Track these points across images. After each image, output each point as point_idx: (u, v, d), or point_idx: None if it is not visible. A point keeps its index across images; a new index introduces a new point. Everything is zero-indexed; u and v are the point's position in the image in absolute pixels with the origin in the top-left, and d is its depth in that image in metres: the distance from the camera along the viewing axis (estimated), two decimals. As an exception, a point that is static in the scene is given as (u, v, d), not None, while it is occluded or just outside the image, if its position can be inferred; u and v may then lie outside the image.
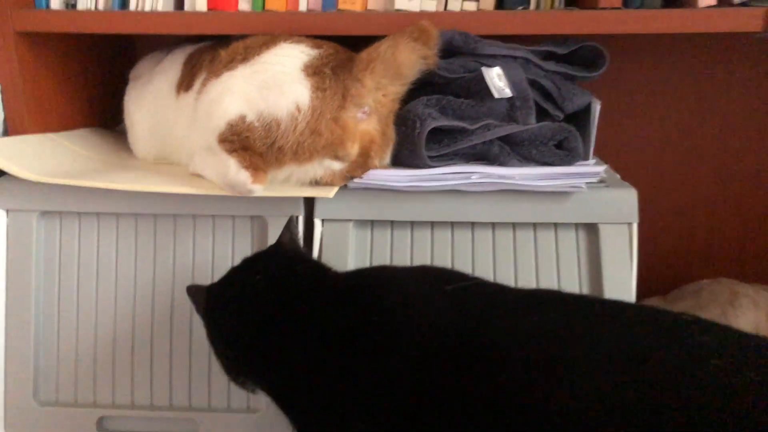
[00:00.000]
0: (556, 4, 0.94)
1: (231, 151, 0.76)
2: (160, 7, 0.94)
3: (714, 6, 0.84)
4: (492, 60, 0.82)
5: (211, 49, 0.91)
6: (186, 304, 0.84)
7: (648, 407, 0.39)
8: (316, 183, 0.79)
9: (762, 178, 1.18)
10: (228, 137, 0.77)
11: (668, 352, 0.42)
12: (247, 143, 0.75)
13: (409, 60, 0.76)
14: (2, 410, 0.85)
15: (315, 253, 0.82)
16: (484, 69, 0.79)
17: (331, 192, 0.77)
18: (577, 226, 0.81)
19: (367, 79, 0.75)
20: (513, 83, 0.80)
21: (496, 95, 0.79)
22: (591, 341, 0.45)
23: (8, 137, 0.89)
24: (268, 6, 0.96)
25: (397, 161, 0.81)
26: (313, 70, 0.76)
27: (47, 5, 0.94)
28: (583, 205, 0.80)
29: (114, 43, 1.17)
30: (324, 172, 0.78)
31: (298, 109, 0.73)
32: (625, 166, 0.93)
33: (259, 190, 0.75)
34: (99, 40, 1.11)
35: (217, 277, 0.71)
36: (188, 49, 0.95)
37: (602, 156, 0.93)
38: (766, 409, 0.37)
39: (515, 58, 0.83)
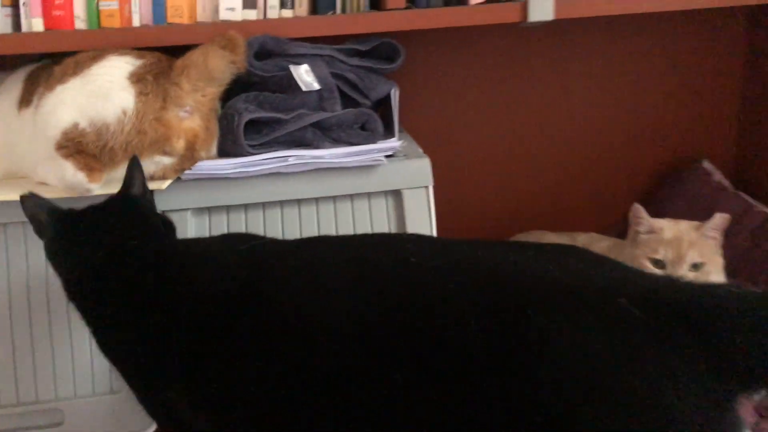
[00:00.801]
0: (362, 8, 1.09)
1: (67, 156, 0.85)
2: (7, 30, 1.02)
3: (482, 3, 1.02)
4: (301, 59, 0.95)
5: (49, 66, 0.99)
6: (43, 302, 0.92)
7: (363, 290, 0.54)
8: (151, 178, 0.89)
9: (544, 142, 1.38)
10: (63, 144, 0.86)
11: (383, 256, 0.57)
12: (81, 147, 0.84)
13: (219, 65, 0.88)
14: None
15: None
16: (291, 66, 0.93)
17: (164, 184, 0.88)
18: (386, 193, 0.96)
19: (184, 83, 0.86)
20: (319, 78, 0.94)
21: (304, 89, 0.92)
22: (333, 261, 0.59)
23: None
24: (103, 23, 1.05)
25: (223, 152, 0.93)
26: (137, 78, 0.86)
27: None
28: (388, 175, 0.95)
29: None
30: (156, 167, 0.88)
31: (124, 113, 0.84)
32: (433, 139, 1.09)
33: (96, 188, 0.84)
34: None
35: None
36: (29, 68, 1.03)
37: (413, 132, 1.08)
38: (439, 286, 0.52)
39: (322, 56, 0.97)
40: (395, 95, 0.99)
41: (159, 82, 0.86)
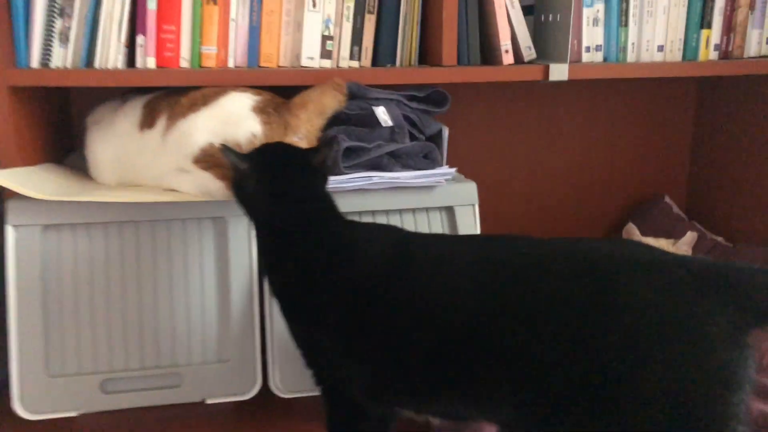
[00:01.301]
0: (413, 62, 1.36)
1: (206, 168, 1.07)
2: (119, 66, 1.23)
3: (512, 64, 1.31)
4: (377, 101, 1.21)
5: (165, 97, 1.21)
6: (167, 283, 1.12)
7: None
8: None
9: (544, 175, 1.69)
10: (201, 159, 1.08)
11: (500, 244, 0.82)
12: (219, 161, 1.07)
13: (331, 104, 1.12)
14: (16, 386, 1.07)
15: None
16: (374, 107, 1.18)
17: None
18: (440, 209, 1.22)
19: (302, 115, 1.10)
20: (393, 117, 1.20)
21: (383, 125, 1.18)
22: (462, 249, 0.83)
23: (12, 168, 1.12)
24: (203, 64, 1.28)
25: None
26: (259, 110, 1.09)
27: (27, 65, 1.18)
28: (444, 195, 1.21)
29: (54, 95, 1.40)
30: None
31: (254, 136, 1.07)
32: (471, 169, 1.35)
33: (230, 195, 1.07)
34: (43, 92, 1.34)
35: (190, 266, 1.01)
36: (144, 98, 1.24)
37: (456, 164, 1.35)
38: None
39: (391, 99, 1.23)
40: (445, 133, 1.26)
41: (279, 113, 1.09)
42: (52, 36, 1.18)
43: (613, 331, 0.69)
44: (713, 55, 1.47)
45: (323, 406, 0.94)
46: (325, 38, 1.30)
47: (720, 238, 1.62)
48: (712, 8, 1.44)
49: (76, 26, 1.19)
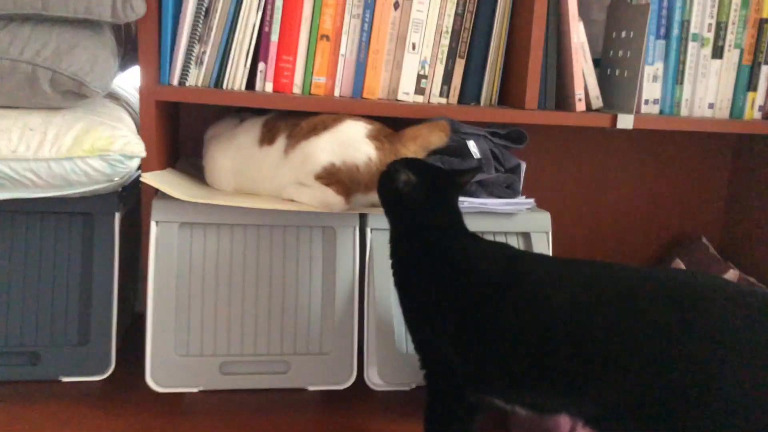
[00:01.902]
0: (494, 102, 1.53)
1: (327, 184, 1.24)
2: (242, 88, 1.40)
3: (584, 111, 1.48)
4: (467, 135, 1.38)
5: (282, 118, 1.38)
6: (280, 281, 1.28)
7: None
8: (372, 205, 1.29)
9: (601, 213, 1.86)
10: (323, 176, 1.24)
11: (598, 268, 0.98)
12: (339, 178, 1.23)
13: (436, 141, 1.29)
14: (150, 362, 1.22)
15: (366, 257, 1.31)
16: (467, 141, 1.35)
17: (380, 211, 1.28)
18: (518, 234, 1.39)
19: (411, 146, 1.27)
20: (481, 150, 1.37)
21: (474, 156, 1.35)
22: (565, 268, 0.98)
23: (155, 171, 1.28)
24: (312, 92, 1.46)
25: None
26: (372, 137, 1.26)
27: (168, 82, 1.36)
28: (522, 222, 1.38)
29: (171, 108, 1.58)
30: (375, 199, 1.28)
31: (370, 159, 1.24)
32: (541, 200, 1.52)
33: (347, 208, 1.23)
34: (170, 106, 1.51)
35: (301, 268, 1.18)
36: (263, 118, 1.41)
37: (530, 195, 1.52)
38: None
39: (479, 135, 1.40)
40: (523, 167, 1.43)
41: (390, 142, 1.26)
42: (190, 58, 1.35)
43: (705, 350, 0.84)
44: (757, 114, 1.64)
45: (426, 387, 1.09)
46: (420, 77, 1.47)
47: (753, 279, 1.78)
48: (758, 74, 1.63)
49: (210, 51, 1.37)
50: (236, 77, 1.40)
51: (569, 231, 1.84)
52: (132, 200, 1.37)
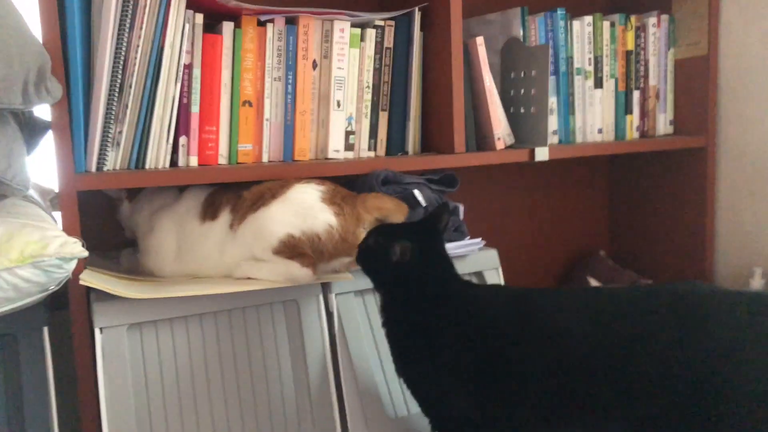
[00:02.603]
0: (417, 149, 1.55)
1: (290, 257, 1.16)
2: (167, 166, 1.29)
3: (504, 149, 1.56)
4: (410, 185, 1.38)
5: (224, 192, 1.28)
6: (247, 369, 1.17)
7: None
8: (335, 271, 1.23)
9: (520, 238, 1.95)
10: (282, 249, 1.17)
11: (602, 296, 1.02)
12: (301, 251, 1.17)
13: (395, 218, 1.23)
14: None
15: (334, 324, 1.25)
16: (413, 191, 1.35)
17: (349, 276, 1.22)
18: (471, 274, 1.40)
19: (373, 213, 1.21)
20: (426, 197, 1.37)
21: (422, 204, 1.35)
22: (572, 301, 1.02)
23: (91, 269, 1.12)
24: (239, 161, 1.38)
25: None
26: (329, 201, 1.21)
27: (85, 169, 1.21)
28: (474, 261, 1.40)
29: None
30: (340, 265, 1.23)
31: (332, 227, 1.18)
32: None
33: (315, 279, 1.17)
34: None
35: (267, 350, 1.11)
36: (204, 192, 1.30)
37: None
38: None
39: (419, 183, 1.41)
40: (461, 210, 1.46)
41: (350, 205, 1.21)
42: (107, 141, 1.22)
43: (711, 351, 0.90)
44: (636, 134, 1.83)
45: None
46: (348, 133, 1.46)
47: (651, 281, 1.96)
48: (632, 99, 1.82)
49: (126, 130, 1.24)
50: (159, 155, 1.28)
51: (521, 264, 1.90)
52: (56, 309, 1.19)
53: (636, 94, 1.83)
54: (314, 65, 1.41)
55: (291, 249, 1.17)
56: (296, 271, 1.16)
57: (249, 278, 1.20)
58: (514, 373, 0.98)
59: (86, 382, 1.12)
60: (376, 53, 1.47)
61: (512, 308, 1.02)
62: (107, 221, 1.42)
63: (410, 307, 1.06)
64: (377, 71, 1.48)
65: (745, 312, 0.92)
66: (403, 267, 1.05)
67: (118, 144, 1.24)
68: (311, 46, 1.40)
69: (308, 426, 1.20)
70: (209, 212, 1.26)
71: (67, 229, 1.13)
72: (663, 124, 1.88)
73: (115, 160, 1.25)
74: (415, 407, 1.24)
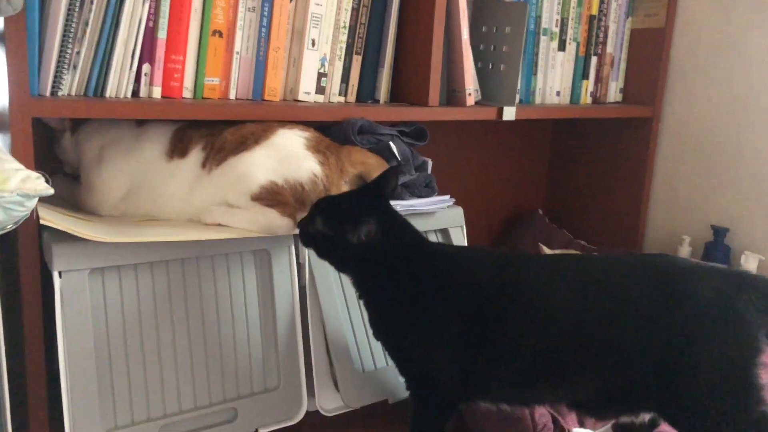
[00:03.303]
0: (386, 100, 1.50)
1: (270, 205, 1.10)
2: (128, 95, 1.17)
3: (473, 106, 1.54)
4: (383, 137, 1.34)
5: (196, 127, 1.18)
6: (214, 319, 1.12)
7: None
8: None
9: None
10: (262, 196, 1.11)
11: (583, 262, 1.05)
12: (282, 199, 1.11)
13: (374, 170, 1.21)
14: (73, 443, 0.99)
15: (304, 276, 1.21)
16: (390, 143, 1.31)
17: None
18: (437, 231, 1.40)
19: (357, 167, 1.18)
20: (400, 150, 1.34)
21: (397, 157, 1.32)
22: (554, 265, 1.04)
23: (47, 208, 1.01)
24: (205, 95, 1.28)
25: None
26: (313, 149, 1.15)
27: (38, 93, 1.07)
28: (440, 218, 1.39)
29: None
30: None
31: (316, 176, 1.13)
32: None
33: (294, 231, 1.12)
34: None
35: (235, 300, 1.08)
36: (171, 126, 1.19)
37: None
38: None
39: (393, 135, 1.37)
40: (430, 165, 1.44)
41: (335, 156, 1.16)
42: (63, 62, 1.09)
43: (683, 321, 0.96)
44: (589, 100, 1.87)
45: (414, 405, 1.06)
46: (320, 75, 1.38)
47: (584, 242, 2.05)
48: (590, 65, 1.84)
49: (85, 52, 1.11)
50: (120, 82, 1.16)
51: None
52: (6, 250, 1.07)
53: (593, 60, 1.85)
54: (291, -3, 1.32)
55: (272, 196, 1.11)
56: (275, 221, 1.11)
57: (220, 225, 1.13)
58: (495, 337, 1.00)
59: (34, 331, 1.03)
60: (355, -9, 1.39)
61: (495, 273, 1.02)
62: (42, 153, 1.28)
63: (385, 281, 1.04)
64: (355, 11, 1.40)
65: (714, 289, 0.97)
66: (367, 246, 1.01)
67: (75, 67, 1.11)
68: (290, -24, 1.30)
69: (273, 378, 1.18)
70: (178, 149, 1.16)
71: (21, 161, 1.00)
72: (614, 91, 1.92)
73: (71, 84, 1.12)
74: (382, 362, 1.25)
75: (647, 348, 0.96)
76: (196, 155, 1.15)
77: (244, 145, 1.13)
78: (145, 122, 1.21)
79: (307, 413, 1.20)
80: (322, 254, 1.07)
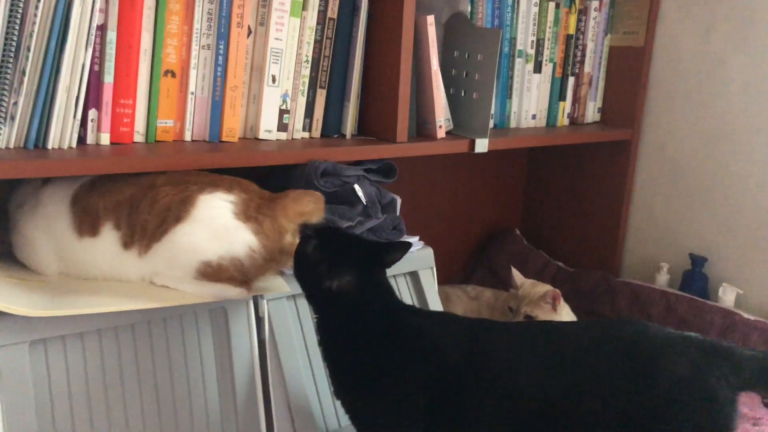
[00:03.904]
0: (353, 132, 1.44)
1: (217, 281, 1.03)
2: (73, 144, 1.10)
3: (444, 138, 1.48)
4: (349, 179, 1.28)
5: (94, 190, 1.06)
6: (168, 386, 1.07)
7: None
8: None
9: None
10: (205, 276, 1.03)
11: (554, 334, 1.00)
12: (227, 275, 1.04)
13: (310, 209, 1.12)
14: None
15: (264, 331, 1.15)
16: (355, 186, 1.25)
17: (286, 288, 1.13)
18: (406, 274, 1.35)
19: (294, 219, 1.08)
20: (366, 193, 1.28)
21: (362, 201, 1.26)
22: (523, 335, 0.99)
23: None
24: (159, 138, 1.21)
25: None
26: (244, 217, 1.04)
27: (-29, 151, 1.00)
28: (409, 261, 1.33)
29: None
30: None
31: (253, 249, 1.04)
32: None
33: (250, 294, 1.06)
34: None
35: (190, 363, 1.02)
36: (68, 188, 1.07)
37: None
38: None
39: (359, 176, 1.31)
40: (398, 203, 1.38)
41: (269, 219, 1.06)
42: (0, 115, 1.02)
43: (656, 400, 0.91)
44: (566, 121, 1.82)
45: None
46: (282, 112, 1.31)
47: (561, 263, 2.00)
48: (567, 85, 1.79)
49: (23, 102, 1.04)
50: (64, 131, 1.09)
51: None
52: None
53: (571, 80, 1.80)
54: (249, 32, 1.24)
55: (215, 274, 1.04)
56: (228, 292, 1.04)
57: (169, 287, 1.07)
58: (462, 408, 0.95)
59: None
60: (318, 23, 1.32)
61: (462, 342, 0.98)
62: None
63: (350, 335, 0.99)
64: (318, 44, 1.33)
65: (688, 364, 0.93)
66: (341, 295, 0.98)
67: (13, 118, 1.04)
68: (247, 11, 1.22)
69: (233, 440, 1.13)
70: (85, 224, 1.05)
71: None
72: (592, 111, 1.87)
73: (8, 137, 1.04)
74: (346, 420, 1.20)
75: (617, 425, 0.92)
76: (110, 235, 1.04)
77: (165, 224, 1.03)
78: (48, 181, 1.09)
79: (271, 473, 1.16)
80: (298, 277, 1.03)
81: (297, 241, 1.04)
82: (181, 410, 1.08)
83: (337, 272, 0.97)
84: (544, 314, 1.52)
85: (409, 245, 1.03)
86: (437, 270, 1.42)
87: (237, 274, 1.05)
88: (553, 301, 1.50)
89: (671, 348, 0.95)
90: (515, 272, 1.64)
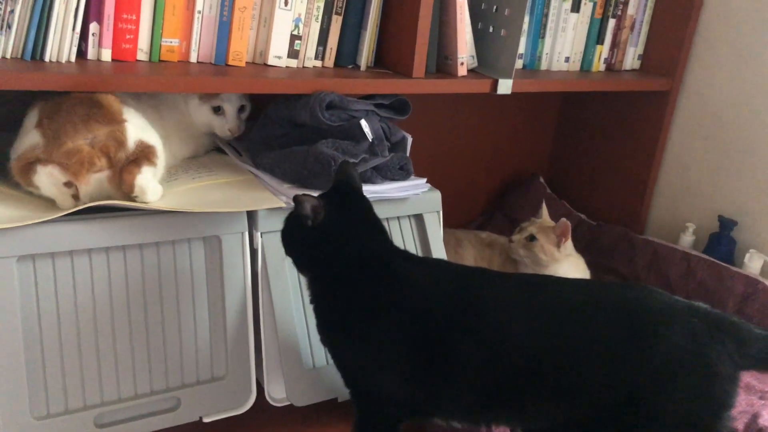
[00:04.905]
0: (370, 63, 1.37)
1: None
2: (72, 59, 1.07)
3: (465, 77, 1.40)
4: (356, 113, 1.23)
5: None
6: (158, 307, 1.07)
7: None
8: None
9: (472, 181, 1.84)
10: None
11: (548, 285, 0.96)
12: None
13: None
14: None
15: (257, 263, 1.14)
16: (360, 121, 1.20)
17: (280, 202, 1.11)
18: (411, 216, 1.31)
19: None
20: (373, 129, 1.23)
21: (368, 138, 1.21)
22: (515, 285, 0.95)
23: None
24: (163, 57, 1.17)
25: (319, 187, 1.15)
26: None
27: (-35, 58, 0.98)
28: (414, 204, 1.29)
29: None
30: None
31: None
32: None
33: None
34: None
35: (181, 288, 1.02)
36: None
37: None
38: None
39: (367, 111, 1.25)
40: (409, 141, 1.33)
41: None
42: (-6, 23, 0.99)
43: (650, 368, 0.87)
44: (602, 67, 1.71)
45: (357, 416, 1.02)
46: (293, 37, 1.26)
47: (583, 216, 1.93)
48: (606, 28, 1.67)
49: (20, 10, 1.01)
50: (62, 44, 1.05)
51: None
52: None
53: (611, 23, 1.68)
54: (262, -50, 1.18)
55: None
56: None
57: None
58: (449, 359, 0.92)
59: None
60: (337, -58, 1.24)
61: (453, 292, 0.94)
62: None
63: (335, 284, 0.97)
64: (336, -34, 1.25)
65: (689, 335, 0.88)
66: (322, 237, 0.96)
67: (9, 26, 1.01)
68: (260, -75, 1.15)
69: (221, 367, 1.13)
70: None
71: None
72: (631, 57, 1.75)
73: (5, 46, 1.02)
74: (335, 357, 1.19)
75: (607, 389, 0.88)
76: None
77: None
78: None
79: (257, 403, 1.17)
80: (283, 238, 1.03)
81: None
82: (169, 332, 1.09)
83: (313, 206, 0.95)
84: (546, 242, 1.48)
85: (346, 163, 1.04)
86: (452, 215, 1.38)
87: None
88: (560, 235, 1.46)
89: (672, 317, 0.90)
90: (545, 207, 1.59)
